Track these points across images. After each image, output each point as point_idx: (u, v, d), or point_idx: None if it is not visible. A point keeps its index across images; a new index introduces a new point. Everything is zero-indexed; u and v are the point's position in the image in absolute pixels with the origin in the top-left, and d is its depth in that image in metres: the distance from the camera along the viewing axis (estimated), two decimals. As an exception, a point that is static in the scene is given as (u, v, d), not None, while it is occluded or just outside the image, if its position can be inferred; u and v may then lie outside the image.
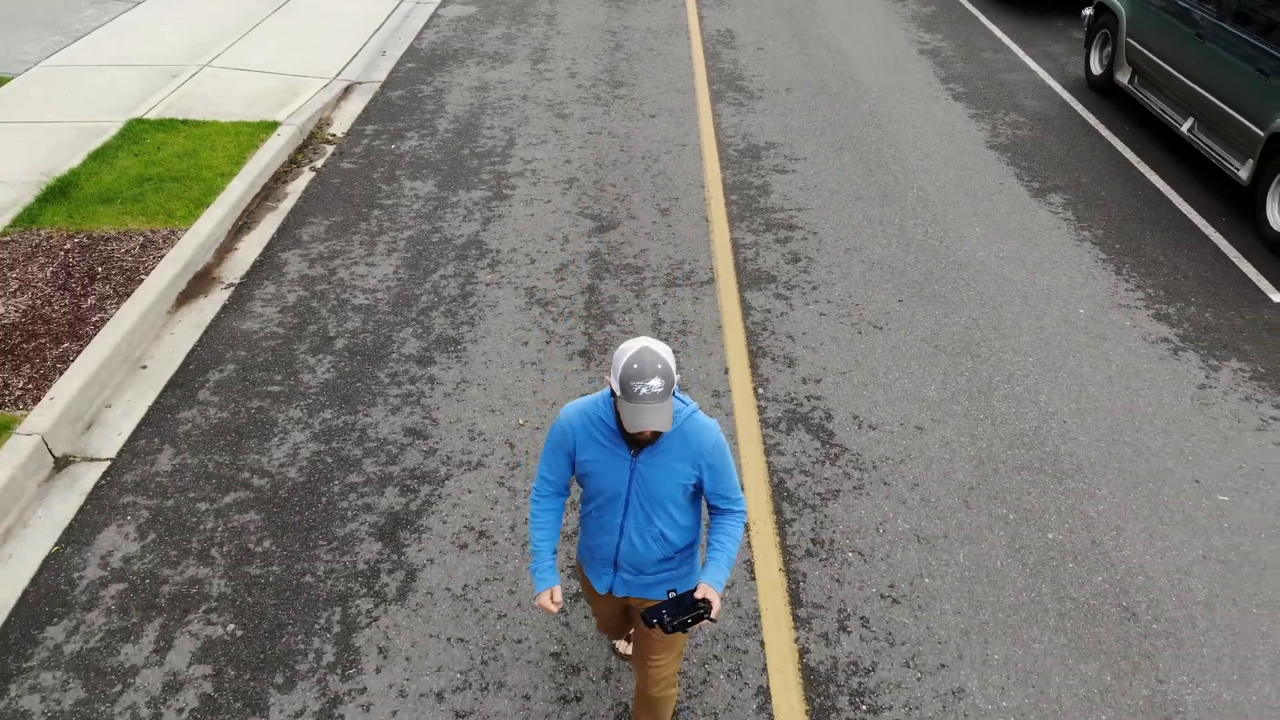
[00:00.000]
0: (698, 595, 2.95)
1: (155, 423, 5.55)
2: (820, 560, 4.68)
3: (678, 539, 3.16)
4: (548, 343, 6.22)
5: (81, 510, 4.99)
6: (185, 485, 5.13)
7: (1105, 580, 4.59)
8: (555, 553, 3.31)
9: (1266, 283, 7.03)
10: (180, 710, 4.01)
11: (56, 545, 4.80)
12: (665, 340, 6.21)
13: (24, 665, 4.21)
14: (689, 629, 2.98)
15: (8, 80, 9.88)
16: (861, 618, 4.39)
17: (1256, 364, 6.13)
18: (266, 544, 4.77)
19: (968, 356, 6.11)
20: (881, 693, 4.05)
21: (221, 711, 4.00)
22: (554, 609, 3.19)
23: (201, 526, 4.89)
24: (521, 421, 5.55)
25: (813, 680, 4.10)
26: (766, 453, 5.33)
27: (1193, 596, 4.52)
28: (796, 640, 4.27)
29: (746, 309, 6.57)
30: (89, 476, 5.22)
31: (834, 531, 4.84)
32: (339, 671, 4.14)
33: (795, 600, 4.46)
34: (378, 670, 4.15)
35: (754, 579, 4.57)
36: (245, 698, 4.05)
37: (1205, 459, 5.33)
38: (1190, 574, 4.64)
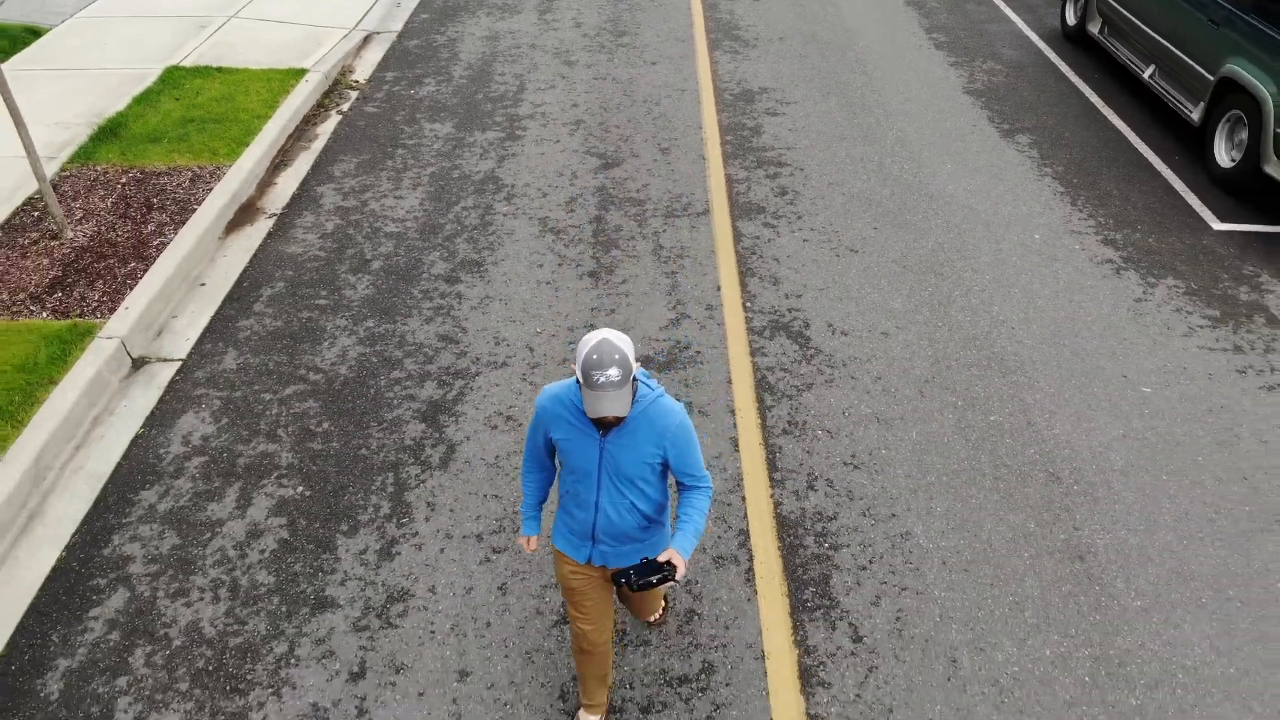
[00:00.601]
0: (662, 559, 3.21)
1: (218, 330, 6.38)
2: (794, 437, 5.53)
3: (649, 510, 3.41)
4: (560, 265, 7.02)
5: (160, 400, 5.82)
6: (250, 380, 5.96)
7: (1036, 452, 5.44)
8: (540, 505, 3.67)
9: (1209, 213, 7.81)
10: (262, 551, 4.87)
11: (141, 428, 5.64)
12: (665, 264, 7.01)
13: (124, 521, 5.06)
14: (653, 588, 3.26)
15: (46, 31, 10.58)
16: (827, 480, 5.25)
17: (1190, 282, 6.94)
18: (325, 425, 5.62)
19: (932, 275, 6.92)
20: (841, 535, 4.92)
21: (297, 552, 4.87)
22: (529, 550, 3.73)
23: (267, 412, 5.73)
24: (539, 330, 6.37)
25: (785, 525, 4.97)
26: (752, 354, 6.16)
27: (1110, 465, 5.38)
28: (772, 496, 5.13)
29: (738, 236, 7.37)
30: (164, 374, 6.05)
31: (807, 415, 5.68)
32: (394, 521, 5.01)
33: (772, 467, 5.32)
34: (427, 519, 5.02)
35: (738, 452, 5.42)
36: (316, 541, 4.92)
37: (1134, 359, 6.17)
38: (1110, 449, 5.49)
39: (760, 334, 6.32)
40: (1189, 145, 8.84)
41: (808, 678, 4.24)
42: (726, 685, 4.20)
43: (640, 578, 3.20)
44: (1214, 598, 4.63)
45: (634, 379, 3.12)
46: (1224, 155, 8.19)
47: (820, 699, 4.17)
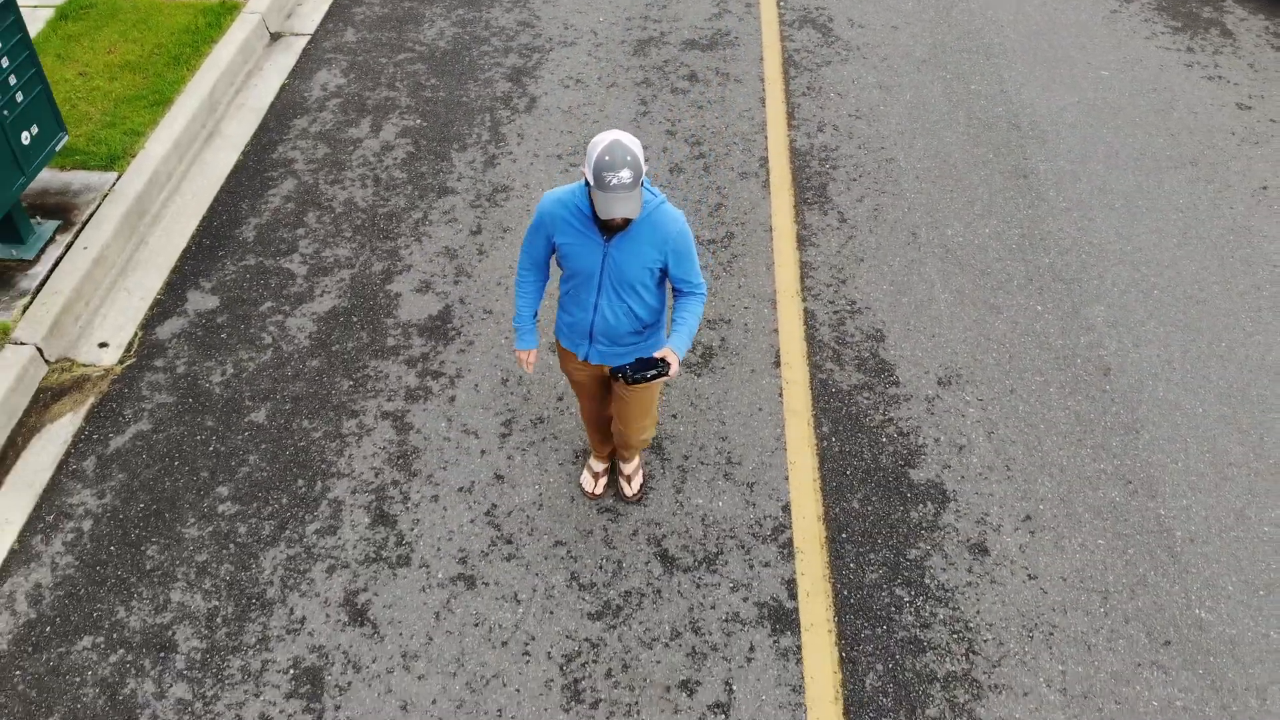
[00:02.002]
0: (658, 355, 3.34)
1: (337, 14, 7.72)
2: (811, 97, 6.89)
3: (646, 315, 3.48)
4: (620, -29, 8.22)
5: (298, 62, 7.25)
6: (368, 49, 7.36)
7: (1004, 110, 6.78)
8: (535, 317, 3.70)
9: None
10: (395, 158, 6.39)
11: (287, 79, 7.09)
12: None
13: (284, 137, 6.58)
14: (648, 382, 3.35)
15: None
16: (834, 125, 6.65)
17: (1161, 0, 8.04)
18: (433, 81, 7.05)
19: (940, -15, 8.08)
20: (840, 160, 6.36)
21: (421, 160, 6.39)
22: (529, 369, 3.83)
23: (385, 71, 7.15)
24: (601, 19, 7.66)
25: (796, 154, 6.40)
26: (782, 40, 7.44)
27: (1062, 120, 6.72)
28: (789, 135, 6.55)
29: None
30: (298, 44, 7.45)
31: (823, 83, 7.02)
32: (494, 144, 6.49)
33: (791, 117, 6.71)
34: (518, 143, 6.49)
35: (764, 107, 6.79)
36: (435, 154, 6.43)
37: (1100, 52, 7.39)
38: (1065, 110, 6.82)
39: (790, 25, 7.58)
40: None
41: (802, 241, 5.78)
42: (743, 244, 5.76)
43: (635, 371, 3.29)
44: (1125, 205, 6.07)
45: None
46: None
47: (810, 253, 5.72)
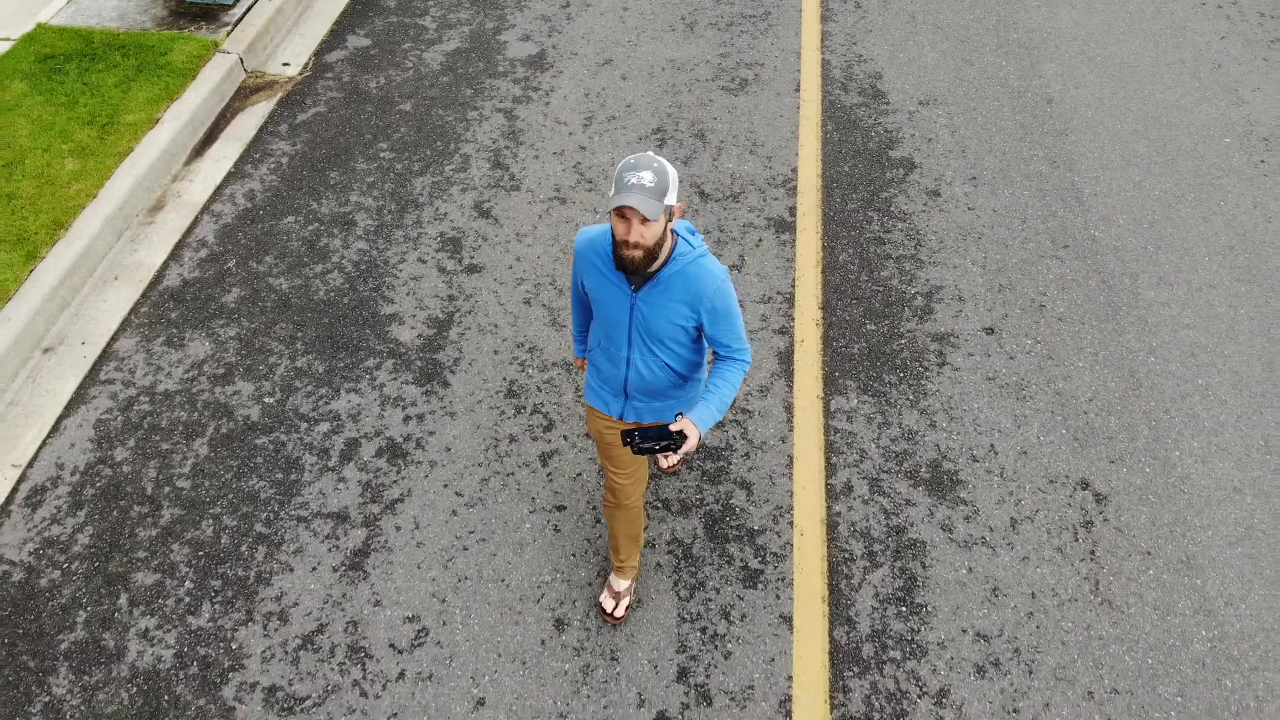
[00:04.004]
0: (674, 428, 2.92)
1: None
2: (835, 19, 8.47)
3: (683, 369, 3.15)
4: None
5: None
6: None
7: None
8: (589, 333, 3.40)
9: None
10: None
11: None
12: None
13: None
14: (653, 454, 2.96)
15: None
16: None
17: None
18: None
19: None
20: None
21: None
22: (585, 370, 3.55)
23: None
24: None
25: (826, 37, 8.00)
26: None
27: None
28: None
29: None
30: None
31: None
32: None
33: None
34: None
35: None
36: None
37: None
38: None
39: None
40: None
41: (824, 17, 7.37)
42: (778, 19, 7.36)
43: (644, 441, 2.93)
44: (1084, 4, 7.58)
45: (669, 217, 2.76)
46: None
47: (830, 26, 7.30)
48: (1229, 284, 5.36)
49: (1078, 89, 6.70)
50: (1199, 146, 6.25)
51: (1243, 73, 6.91)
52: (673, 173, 2.71)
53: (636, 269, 2.80)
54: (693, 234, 2.95)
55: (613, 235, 2.82)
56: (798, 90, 6.65)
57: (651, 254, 2.78)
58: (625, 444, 3.01)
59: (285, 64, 6.99)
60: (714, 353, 3.09)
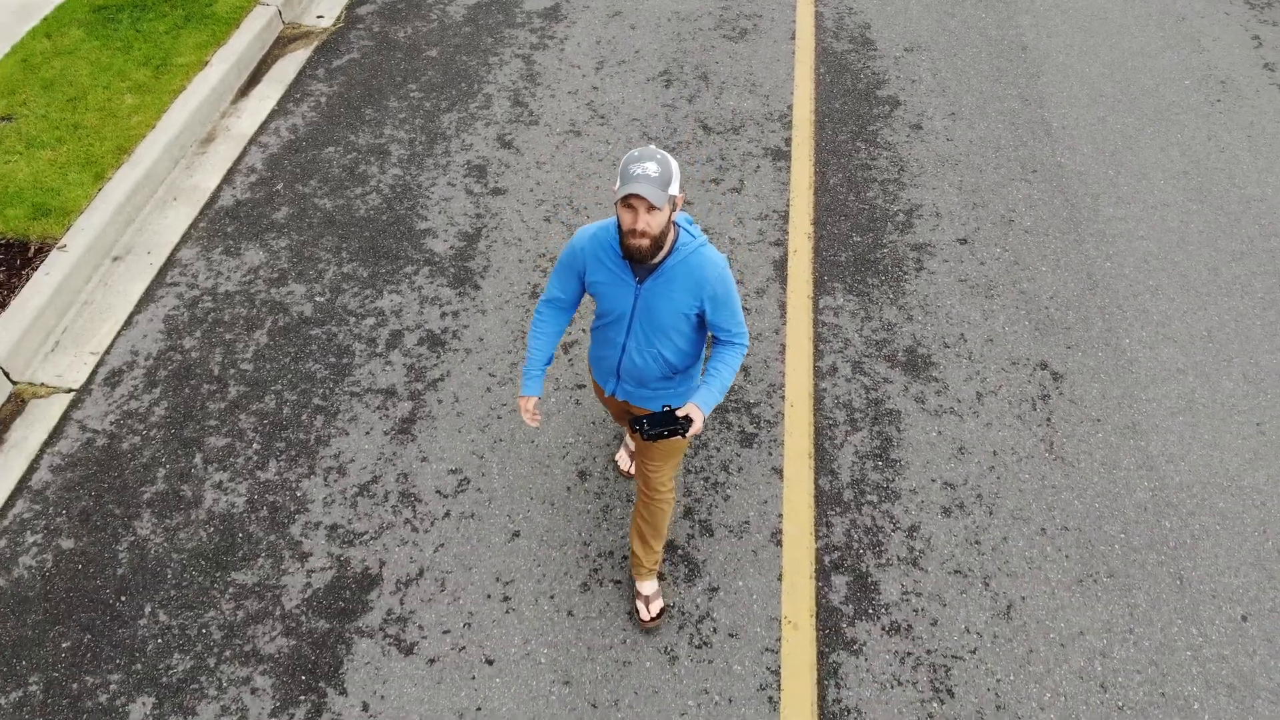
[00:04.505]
0: (680, 412, 3.03)
1: None
2: None
3: (677, 361, 3.25)
4: None
5: None
6: None
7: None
8: (546, 364, 3.42)
9: None
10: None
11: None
12: None
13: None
14: (665, 439, 3.09)
15: None
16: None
17: None
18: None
19: None
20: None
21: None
22: (531, 421, 3.39)
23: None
24: None
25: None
26: None
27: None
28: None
29: None
30: None
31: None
32: None
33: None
34: None
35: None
36: None
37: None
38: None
39: None
40: None
41: None
42: (774, -26, 7.94)
43: (653, 428, 3.05)
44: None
45: (673, 208, 2.92)
46: None
47: None
48: (1181, 203, 5.94)
49: (1050, 38, 7.28)
50: (1160, 87, 6.84)
51: (1205, 25, 7.49)
52: (674, 165, 2.85)
53: (644, 257, 2.93)
54: (692, 224, 3.10)
55: (619, 226, 2.96)
56: (793, 39, 7.23)
57: (657, 243, 2.91)
58: (634, 431, 3.19)
59: (319, 16, 7.57)
60: (714, 337, 3.24)
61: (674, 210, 2.94)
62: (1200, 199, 5.95)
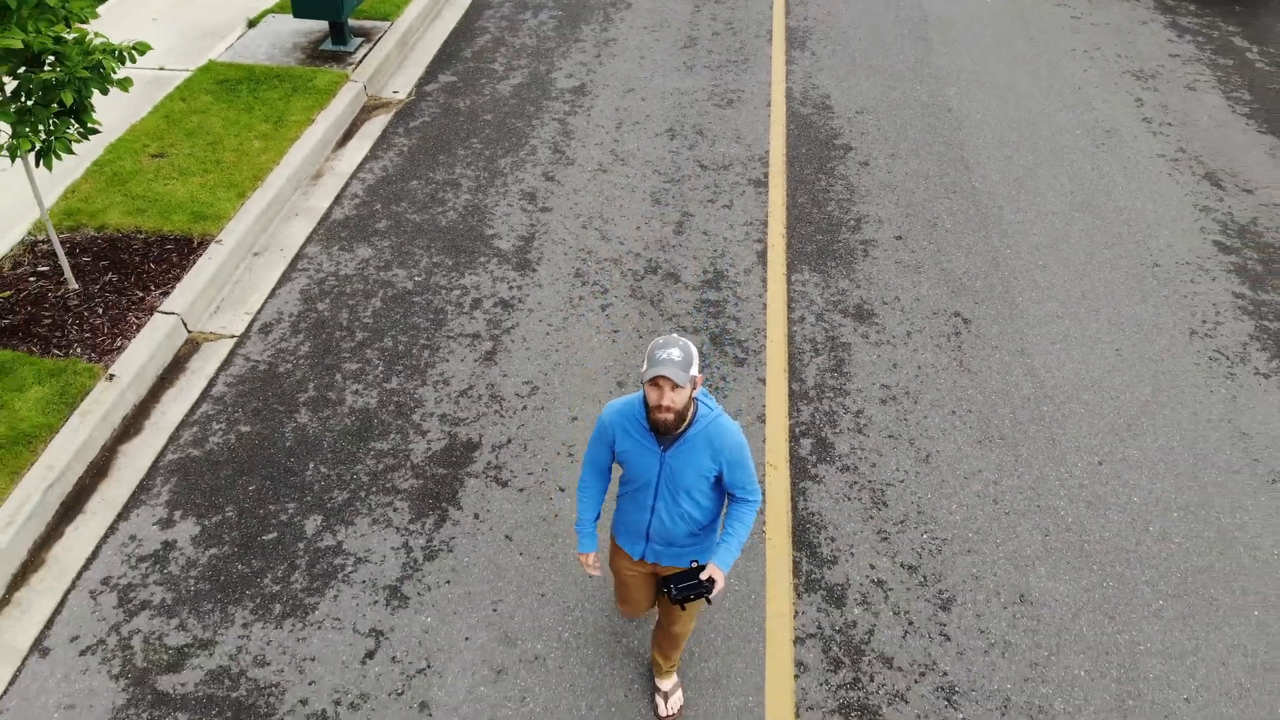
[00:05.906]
0: (704, 576, 3.42)
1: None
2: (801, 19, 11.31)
3: (701, 517, 3.60)
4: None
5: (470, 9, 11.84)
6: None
7: None
8: (596, 521, 3.81)
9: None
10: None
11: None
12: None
13: (478, 26, 11.09)
14: (691, 601, 3.49)
15: None
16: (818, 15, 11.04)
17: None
18: (568, -7, 11.58)
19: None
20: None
21: (565, 30, 10.86)
22: (592, 571, 3.86)
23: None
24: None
25: (791, 32, 10.79)
26: (784, -20, 11.91)
27: None
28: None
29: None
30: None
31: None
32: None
33: (789, 14, 11.13)
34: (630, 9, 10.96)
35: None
36: (572, 27, 10.90)
37: None
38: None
39: (790, -26, 12.07)
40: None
41: (789, 62, 10.12)
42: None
43: (681, 593, 3.42)
44: None
45: (693, 387, 3.26)
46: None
47: (792, 68, 10.04)
48: (1067, 211, 7.87)
49: (970, 103, 9.36)
50: (1056, 135, 8.87)
51: (1097, 92, 9.60)
52: (695, 351, 3.22)
53: (668, 430, 3.30)
54: (708, 397, 3.48)
55: (646, 403, 3.34)
56: (769, 105, 9.29)
57: (680, 417, 3.29)
58: (662, 594, 3.66)
59: (395, 91, 9.63)
60: (729, 495, 3.57)
61: (694, 389, 3.31)
62: (1083, 209, 7.88)
